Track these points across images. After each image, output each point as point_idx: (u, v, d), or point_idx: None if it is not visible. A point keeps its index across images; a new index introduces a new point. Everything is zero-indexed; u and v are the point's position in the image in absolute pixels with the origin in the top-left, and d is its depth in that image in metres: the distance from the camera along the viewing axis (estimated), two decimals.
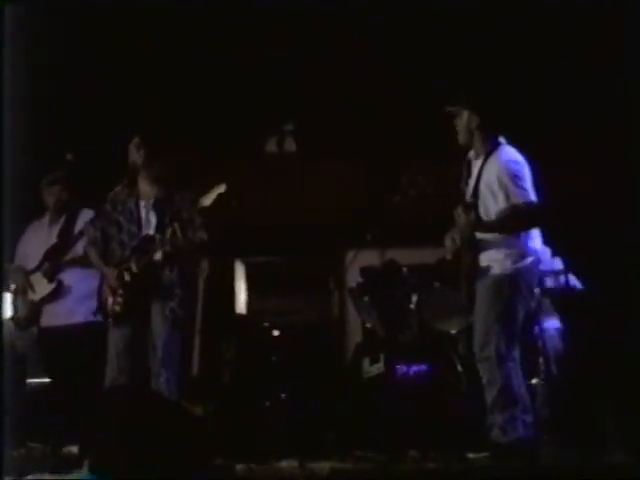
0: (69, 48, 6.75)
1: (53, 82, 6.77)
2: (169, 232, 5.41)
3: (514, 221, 5.09)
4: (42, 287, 6.14)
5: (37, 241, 6.24)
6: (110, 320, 5.58)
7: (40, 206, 6.39)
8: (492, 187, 5.11)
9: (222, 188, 5.54)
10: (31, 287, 6.16)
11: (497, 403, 5.02)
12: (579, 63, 6.70)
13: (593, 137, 6.75)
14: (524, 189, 5.07)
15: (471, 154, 5.31)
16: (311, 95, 7.38)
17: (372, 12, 6.80)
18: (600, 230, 6.51)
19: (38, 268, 6.16)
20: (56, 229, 6.23)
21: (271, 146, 7.88)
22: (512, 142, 5.27)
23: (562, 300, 6.20)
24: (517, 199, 5.05)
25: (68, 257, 6.12)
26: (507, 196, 5.07)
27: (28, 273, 6.18)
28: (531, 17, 6.58)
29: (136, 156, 5.62)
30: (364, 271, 6.69)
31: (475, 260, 5.13)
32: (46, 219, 6.30)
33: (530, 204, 5.06)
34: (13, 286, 6.24)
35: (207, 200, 5.50)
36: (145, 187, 5.64)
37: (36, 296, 6.15)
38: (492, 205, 5.12)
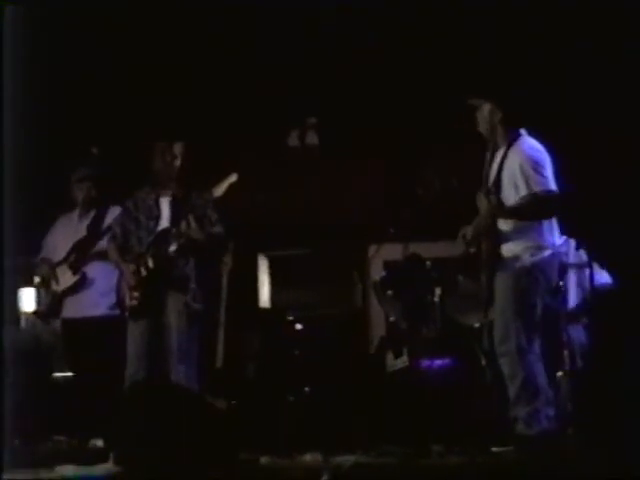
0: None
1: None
2: (184, 225, 5.45)
3: (534, 208, 5.08)
4: (66, 278, 6.18)
5: (65, 234, 6.28)
6: (127, 315, 5.61)
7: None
8: (514, 176, 5.12)
9: (234, 178, 5.57)
10: (55, 278, 6.20)
11: (520, 396, 5.02)
12: (600, 57, 6.66)
13: (619, 130, 6.70)
14: (545, 177, 5.07)
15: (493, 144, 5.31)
16: (333, 91, 7.37)
17: (394, 5, 6.78)
18: (627, 222, 6.47)
19: (65, 260, 6.20)
20: (85, 223, 6.27)
21: (293, 140, 7.88)
22: (535, 135, 5.25)
23: (588, 293, 6.17)
24: (537, 187, 5.05)
25: (94, 250, 6.15)
26: (527, 184, 5.07)
27: (54, 265, 6.22)
28: (553, 11, 6.54)
29: (159, 158, 5.66)
30: (387, 265, 6.67)
31: (495, 251, 5.13)
32: (75, 214, 6.35)
33: (550, 192, 5.06)
34: (37, 280, 6.29)
35: (219, 190, 5.54)
36: (166, 185, 5.69)
37: (59, 287, 6.19)
38: (513, 194, 5.12)
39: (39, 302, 6.40)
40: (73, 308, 6.17)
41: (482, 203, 5.19)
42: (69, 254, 6.19)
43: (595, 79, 6.72)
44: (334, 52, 7.07)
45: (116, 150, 6.62)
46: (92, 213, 6.26)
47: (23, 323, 6.86)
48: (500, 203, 5.11)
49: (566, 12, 6.52)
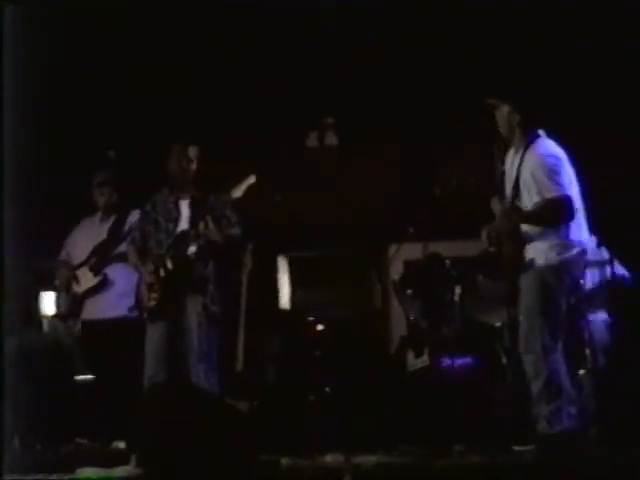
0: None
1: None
2: (201, 226, 5.47)
3: (548, 214, 5.05)
4: (87, 280, 6.21)
5: (87, 237, 6.31)
6: (146, 317, 5.63)
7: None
8: (528, 181, 5.09)
9: (252, 179, 5.58)
10: (76, 280, 6.23)
11: (543, 395, 4.99)
12: (622, 60, 6.62)
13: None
14: (557, 183, 5.02)
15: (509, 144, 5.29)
16: (350, 90, 7.36)
17: (412, 5, 6.77)
18: None
19: (85, 262, 6.23)
20: (106, 227, 6.30)
21: (312, 141, 7.88)
22: (554, 136, 5.22)
23: (609, 290, 6.13)
24: (550, 194, 5.01)
25: (115, 252, 6.18)
26: (540, 191, 5.04)
27: (75, 267, 6.25)
28: (574, 14, 6.51)
29: (175, 162, 5.68)
30: (407, 264, 6.66)
31: (518, 251, 5.10)
32: (97, 217, 6.38)
33: (563, 198, 5.00)
34: (57, 282, 6.33)
35: (238, 192, 5.56)
36: (184, 188, 5.71)
37: (80, 288, 6.22)
38: (527, 198, 5.10)
39: (59, 305, 6.44)
40: (93, 309, 6.21)
41: (496, 207, 5.16)
42: (90, 257, 6.23)
43: (616, 80, 6.68)
44: (351, 52, 7.06)
45: (130, 153, 6.63)
46: (113, 217, 6.29)
47: (45, 326, 6.90)
48: (515, 207, 5.09)
49: (590, 15, 6.49)
